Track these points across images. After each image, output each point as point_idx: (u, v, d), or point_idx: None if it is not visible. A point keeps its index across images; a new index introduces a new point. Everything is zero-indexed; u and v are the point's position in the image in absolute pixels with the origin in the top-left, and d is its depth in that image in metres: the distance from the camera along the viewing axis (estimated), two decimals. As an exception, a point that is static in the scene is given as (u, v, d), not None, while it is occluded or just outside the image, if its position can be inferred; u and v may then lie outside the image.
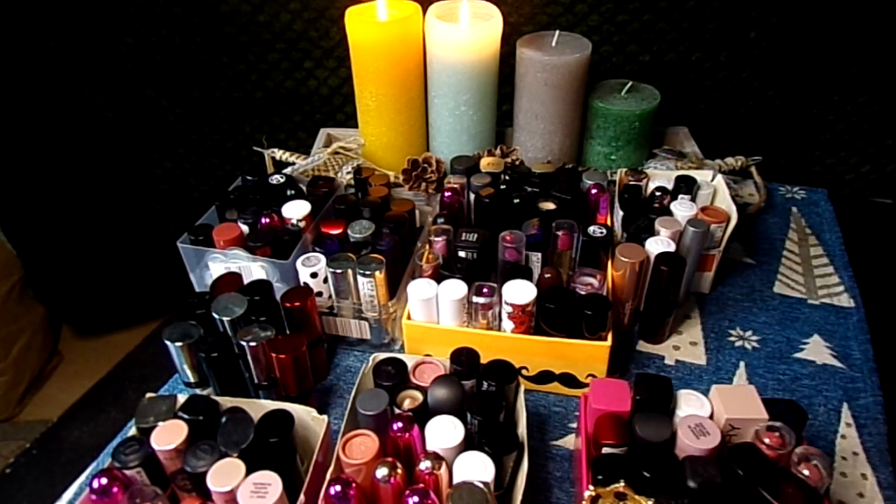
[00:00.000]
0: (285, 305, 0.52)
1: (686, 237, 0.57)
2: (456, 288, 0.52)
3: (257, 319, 0.50)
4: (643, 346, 0.59)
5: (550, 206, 0.59)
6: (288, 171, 0.74)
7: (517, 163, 0.70)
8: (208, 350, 0.48)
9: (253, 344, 0.48)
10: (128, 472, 0.40)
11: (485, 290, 0.51)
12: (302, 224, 0.60)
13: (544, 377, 0.54)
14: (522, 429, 0.43)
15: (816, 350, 0.58)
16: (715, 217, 0.59)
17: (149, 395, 0.45)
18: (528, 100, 0.72)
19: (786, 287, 0.66)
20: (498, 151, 0.71)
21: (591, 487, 0.37)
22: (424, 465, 0.38)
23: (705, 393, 0.43)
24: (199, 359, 0.50)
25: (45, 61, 0.94)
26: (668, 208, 0.60)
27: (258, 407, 0.44)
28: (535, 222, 0.57)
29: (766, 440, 0.39)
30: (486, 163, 0.66)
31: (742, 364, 0.57)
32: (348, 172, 0.73)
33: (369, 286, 0.54)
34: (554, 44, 0.70)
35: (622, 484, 0.37)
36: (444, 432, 0.41)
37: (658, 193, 0.61)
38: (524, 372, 0.54)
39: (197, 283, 0.61)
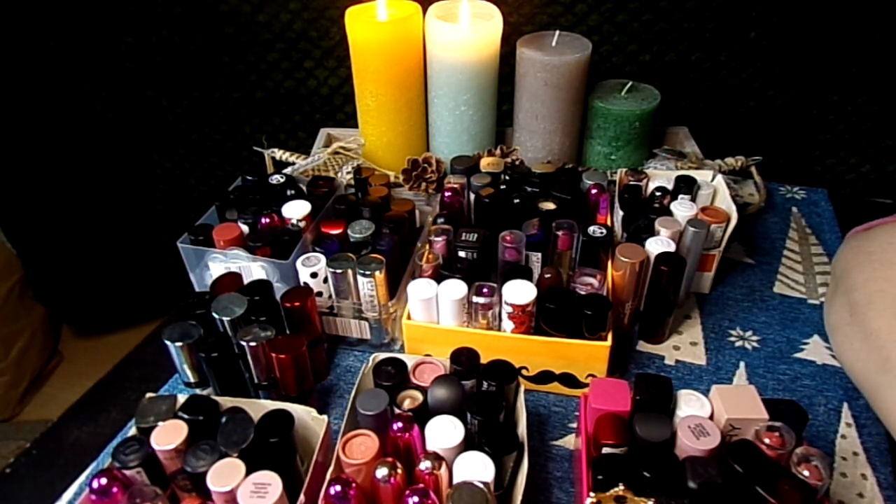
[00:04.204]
0: (285, 305, 0.52)
1: (686, 237, 0.57)
2: (456, 288, 0.52)
3: (257, 319, 0.50)
4: (643, 346, 0.59)
5: (550, 206, 0.59)
6: (288, 171, 0.74)
7: (517, 163, 0.70)
8: (208, 350, 0.48)
9: (253, 344, 0.48)
10: (128, 472, 0.40)
11: (485, 290, 0.51)
12: (302, 224, 0.60)
13: (544, 377, 0.54)
14: (522, 429, 0.43)
15: (817, 350, 0.58)
16: (715, 217, 0.59)
17: (149, 395, 0.45)
18: (528, 100, 0.72)
19: (786, 287, 0.66)
20: (498, 151, 0.71)
21: (592, 494, 0.37)
22: (424, 465, 0.38)
23: (705, 393, 0.43)
24: (199, 359, 0.50)
25: (45, 61, 0.94)
26: (668, 208, 0.60)
27: (258, 407, 0.44)
28: (535, 222, 0.57)
29: (767, 440, 0.39)
30: (486, 163, 0.66)
31: (742, 364, 0.57)
32: (348, 172, 0.73)
33: (369, 286, 0.54)
34: (554, 44, 0.70)
35: (622, 487, 0.37)
36: (444, 432, 0.41)
37: (658, 193, 0.61)
38: (524, 372, 0.54)
39: (197, 283, 0.61)
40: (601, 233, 0.55)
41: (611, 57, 0.82)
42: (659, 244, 0.55)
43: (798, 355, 0.58)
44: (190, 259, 0.59)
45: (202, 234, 0.59)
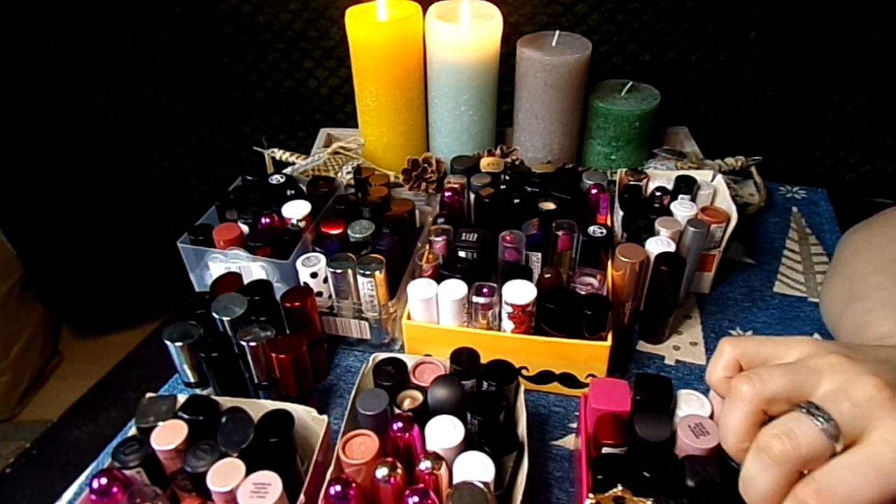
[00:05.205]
0: (285, 305, 0.52)
1: (686, 237, 0.57)
2: (456, 288, 0.52)
3: (257, 319, 0.50)
4: (643, 346, 0.59)
5: (550, 206, 0.59)
6: (288, 171, 0.74)
7: (517, 163, 0.70)
8: (208, 350, 0.48)
9: (253, 344, 0.48)
10: (128, 472, 0.40)
11: (485, 290, 0.51)
12: (302, 224, 0.60)
13: (544, 377, 0.54)
14: (522, 429, 0.43)
15: (816, 350, 0.58)
16: (715, 217, 0.59)
17: (149, 395, 0.45)
18: (528, 100, 0.72)
19: (786, 287, 0.66)
20: (498, 151, 0.71)
21: (591, 496, 0.37)
22: (424, 465, 0.38)
23: (705, 393, 0.43)
24: (199, 359, 0.50)
25: (45, 61, 0.94)
26: (668, 208, 0.60)
27: (258, 407, 0.44)
28: (535, 222, 0.57)
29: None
30: (486, 163, 0.66)
31: (742, 364, 0.57)
32: (348, 172, 0.73)
33: (369, 286, 0.54)
34: (554, 44, 0.70)
35: (620, 488, 0.37)
36: (444, 432, 0.41)
37: (658, 193, 0.61)
38: (524, 372, 0.54)
39: (197, 283, 0.61)
40: (601, 233, 0.55)
41: (611, 57, 0.82)
42: (659, 244, 0.55)
43: (798, 355, 0.58)
44: (190, 259, 0.59)
45: (202, 234, 0.59)
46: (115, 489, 0.38)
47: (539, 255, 0.57)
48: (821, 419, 0.30)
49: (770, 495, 0.31)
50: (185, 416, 0.43)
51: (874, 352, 0.35)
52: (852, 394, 0.30)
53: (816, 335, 0.60)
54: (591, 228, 0.56)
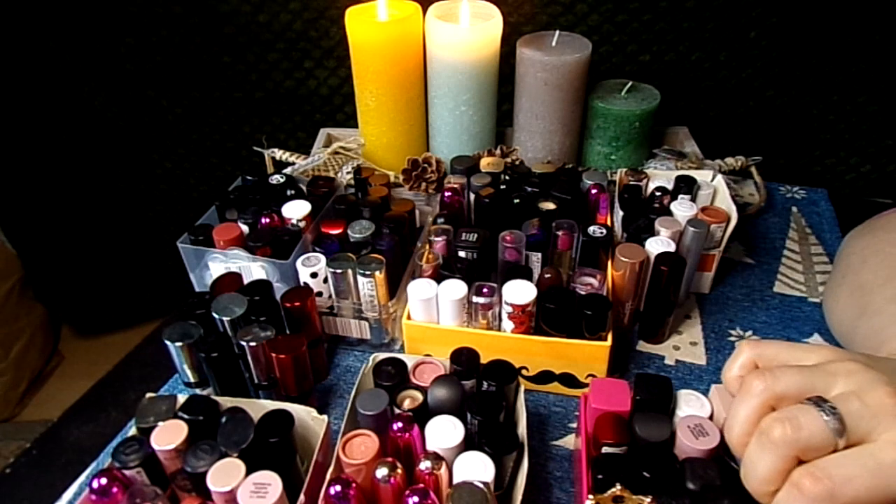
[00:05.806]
0: (285, 305, 0.52)
1: (686, 237, 0.57)
2: (456, 288, 0.52)
3: (257, 319, 0.50)
4: (643, 346, 0.59)
5: (550, 206, 0.59)
6: (288, 171, 0.74)
7: (517, 163, 0.70)
8: (208, 350, 0.48)
9: (253, 344, 0.48)
10: (128, 472, 0.40)
11: (485, 290, 0.51)
12: (302, 224, 0.60)
13: (544, 377, 0.54)
14: (522, 429, 0.43)
15: (816, 350, 0.58)
16: (715, 217, 0.59)
17: (149, 395, 0.45)
18: (528, 100, 0.72)
19: (786, 287, 0.66)
20: (498, 151, 0.71)
21: (591, 497, 0.37)
22: (424, 465, 0.38)
23: (705, 393, 0.43)
24: (199, 359, 0.50)
25: (44, 61, 0.94)
26: (668, 208, 0.60)
27: (258, 407, 0.44)
28: (535, 222, 0.57)
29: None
30: (486, 163, 0.66)
31: (742, 364, 0.57)
32: (348, 172, 0.73)
33: (369, 286, 0.54)
34: (554, 44, 0.70)
35: (619, 487, 0.37)
36: (444, 432, 0.41)
37: (658, 193, 0.61)
38: (524, 372, 0.54)
39: (197, 283, 0.61)
40: (601, 233, 0.55)
41: (611, 57, 0.82)
42: (659, 244, 0.55)
43: (798, 355, 0.58)
44: (190, 259, 0.59)
45: (202, 234, 0.59)
46: (115, 489, 0.38)
47: (539, 255, 0.57)
48: (826, 412, 0.30)
49: (769, 479, 0.31)
50: (185, 416, 0.43)
51: (894, 364, 0.36)
52: (864, 396, 0.31)
53: (816, 335, 0.60)
54: (591, 228, 0.56)
